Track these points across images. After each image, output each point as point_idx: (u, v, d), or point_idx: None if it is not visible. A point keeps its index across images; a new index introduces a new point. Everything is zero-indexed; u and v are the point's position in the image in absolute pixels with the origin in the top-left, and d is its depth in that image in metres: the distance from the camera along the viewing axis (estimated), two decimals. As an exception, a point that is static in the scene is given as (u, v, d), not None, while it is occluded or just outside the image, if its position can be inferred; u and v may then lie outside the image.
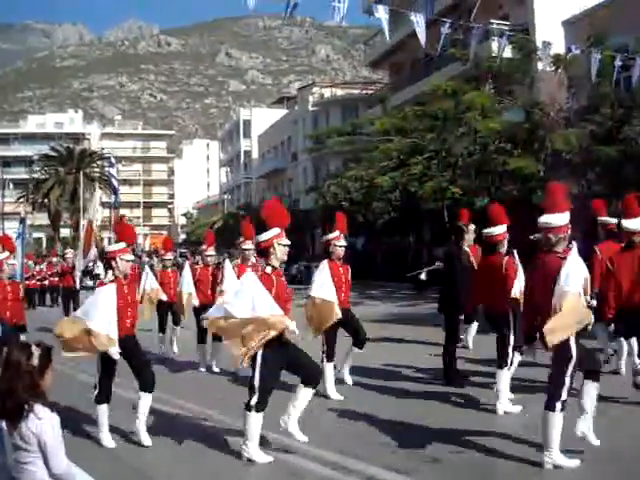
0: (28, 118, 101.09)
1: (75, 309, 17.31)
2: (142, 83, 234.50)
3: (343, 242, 9.15)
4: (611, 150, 19.05)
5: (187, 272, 11.80)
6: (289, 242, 6.54)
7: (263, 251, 6.49)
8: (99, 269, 38.53)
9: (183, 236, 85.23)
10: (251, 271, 10.17)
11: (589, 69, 17.69)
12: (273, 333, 6.05)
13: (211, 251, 12.06)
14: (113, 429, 7.14)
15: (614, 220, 9.55)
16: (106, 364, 6.89)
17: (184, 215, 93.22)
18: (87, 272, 26.69)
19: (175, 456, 6.58)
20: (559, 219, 6.04)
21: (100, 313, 6.56)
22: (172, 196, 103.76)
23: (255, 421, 6.15)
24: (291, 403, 6.50)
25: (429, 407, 8.17)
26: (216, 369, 10.95)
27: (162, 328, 13.05)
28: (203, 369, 11.13)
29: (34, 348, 3.74)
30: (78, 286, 18.45)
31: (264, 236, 6.43)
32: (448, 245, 10.99)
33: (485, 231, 8.23)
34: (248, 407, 6.17)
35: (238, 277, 10.46)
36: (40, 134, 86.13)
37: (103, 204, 79.58)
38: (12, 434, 3.65)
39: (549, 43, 17.68)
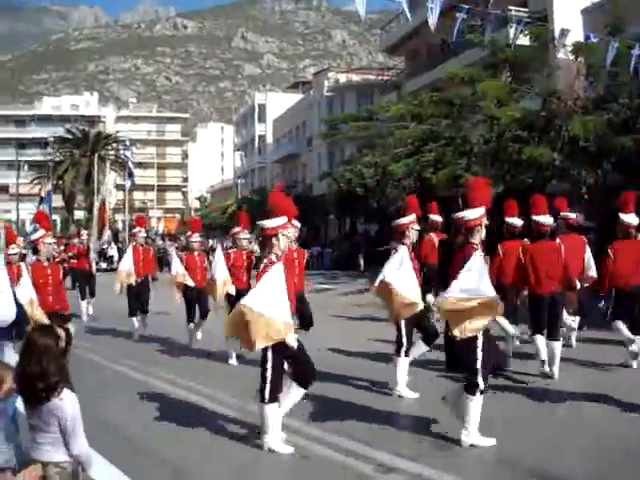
0: (43, 100, 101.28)
1: (92, 293, 17.39)
2: (157, 66, 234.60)
3: (417, 226, 8.77)
4: (627, 140, 18.92)
5: (220, 257, 10.80)
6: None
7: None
8: (113, 250, 38.51)
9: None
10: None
11: (607, 58, 17.54)
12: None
13: (245, 234, 11.30)
14: (129, 414, 7.20)
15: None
16: (277, 357, 6.18)
17: (198, 199, 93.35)
18: (101, 254, 26.64)
19: (193, 443, 6.63)
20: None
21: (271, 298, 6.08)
22: (186, 179, 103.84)
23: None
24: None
25: (438, 392, 8.19)
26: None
27: (190, 318, 12.09)
28: (233, 360, 10.39)
29: (59, 330, 3.78)
30: (94, 269, 18.14)
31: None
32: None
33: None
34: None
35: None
36: (55, 116, 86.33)
37: (117, 186, 79.79)
38: (31, 415, 3.69)
39: (567, 30, 17.52)
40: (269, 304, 5.98)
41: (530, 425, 6.88)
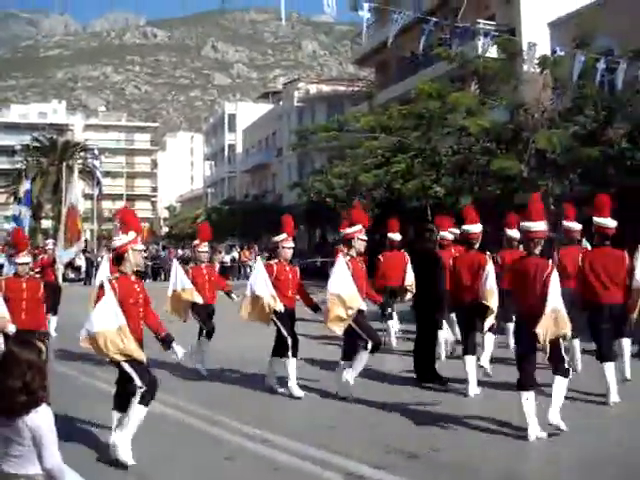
0: (11, 107, 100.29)
1: (55, 308, 15.55)
2: (127, 74, 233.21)
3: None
4: (593, 151, 19.20)
5: (261, 269, 9.01)
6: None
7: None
8: (81, 261, 37.88)
9: (165, 229, 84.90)
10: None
11: (574, 71, 17.81)
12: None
13: (291, 242, 9.48)
14: (106, 428, 7.15)
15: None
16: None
17: (167, 208, 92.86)
18: (69, 264, 25.86)
19: (159, 453, 6.60)
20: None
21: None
22: (155, 189, 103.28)
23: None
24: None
25: (407, 404, 8.24)
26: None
27: (205, 334, 10.98)
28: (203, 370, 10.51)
29: (40, 344, 3.76)
30: (61, 281, 16.73)
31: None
32: (422, 243, 11.41)
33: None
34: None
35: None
36: (23, 124, 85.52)
37: (85, 196, 79.03)
38: (4, 426, 3.65)
39: (534, 44, 17.77)
40: None
41: (499, 435, 6.95)
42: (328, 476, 5.76)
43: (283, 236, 9.19)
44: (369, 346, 8.37)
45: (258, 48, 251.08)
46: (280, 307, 8.66)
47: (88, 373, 10.60)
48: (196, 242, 11.16)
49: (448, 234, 11.36)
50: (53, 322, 15.51)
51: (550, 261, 6.89)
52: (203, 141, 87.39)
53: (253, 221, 48.64)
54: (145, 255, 45.60)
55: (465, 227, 9.28)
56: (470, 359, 8.59)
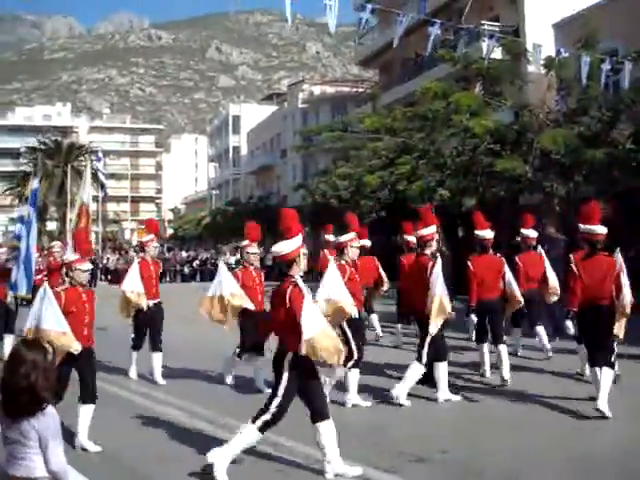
0: (16, 110, 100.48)
1: None
2: (131, 77, 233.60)
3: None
4: (598, 152, 19.16)
5: (334, 272, 7.88)
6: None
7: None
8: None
9: (170, 231, 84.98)
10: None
11: (578, 72, 17.78)
12: None
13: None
14: (106, 428, 7.16)
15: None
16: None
17: (171, 210, 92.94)
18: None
19: (163, 454, 6.61)
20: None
21: None
22: (160, 191, 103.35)
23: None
24: None
25: (413, 406, 8.23)
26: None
27: (244, 349, 9.71)
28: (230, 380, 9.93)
29: (46, 345, 3.76)
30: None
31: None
32: None
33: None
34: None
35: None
36: (28, 126, 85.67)
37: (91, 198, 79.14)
38: (9, 429, 3.65)
39: (539, 45, 17.74)
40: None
41: (506, 437, 6.94)
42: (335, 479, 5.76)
43: (246, 242, 9.70)
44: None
45: (262, 50, 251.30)
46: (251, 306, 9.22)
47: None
48: (245, 243, 10.15)
49: (413, 238, 11.58)
50: None
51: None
52: (207, 143, 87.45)
53: (257, 223, 48.64)
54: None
55: (478, 233, 9.69)
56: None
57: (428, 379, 9.41)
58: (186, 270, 45.31)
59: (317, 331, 5.70)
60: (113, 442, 6.94)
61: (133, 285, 10.13)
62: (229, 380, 9.84)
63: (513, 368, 9.39)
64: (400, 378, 8.61)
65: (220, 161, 78.23)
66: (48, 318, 6.52)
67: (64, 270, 7.17)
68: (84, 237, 8.18)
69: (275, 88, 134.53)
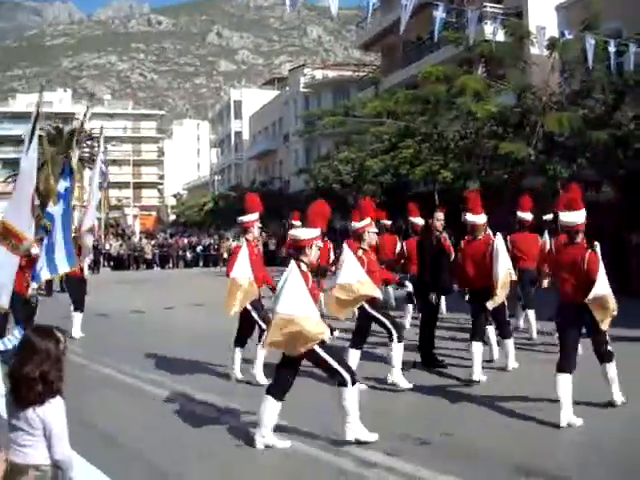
0: (17, 97, 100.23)
1: (81, 304, 13.63)
2: (132, 62, 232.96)
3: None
4: (602, 134, 19.07)
5: (350, 257, 7.94)
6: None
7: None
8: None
9: (173, 217, 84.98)
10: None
11: (582, 54, 17.66)
12: None
13: (374, 228, 9.01)
14: (110, 413, 7.16)
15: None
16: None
17: (174, 196, 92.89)
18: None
19: (168, 438, 6.61)
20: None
21: None
22: (162, 177, 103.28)
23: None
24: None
25: (416, 390, 8.23)
26: None
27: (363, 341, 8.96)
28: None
29: (59, 334, 3.73)
30: (87, 272, 14.16)
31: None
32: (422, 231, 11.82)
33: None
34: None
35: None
36: (29, 113, 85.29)
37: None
38: (15, 416, 3.64)
39: (542, 28, 17.63)
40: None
41: (509, 420, 6.94)
42: (340, 463, 5.76)
43: (366, 221, 8.82)
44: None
45: (263, 34, 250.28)
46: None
47: (99, 361, 10.62)
48: (365, 222, 8.87)
49: (419, 220, 12.49)
50: (77, 321, 13.47)
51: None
52: (209, 128, 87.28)
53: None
54: (153, 243, 45.86)
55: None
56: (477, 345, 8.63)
57: (432, 361, 9.43)
58: (188, 256, 45.32)
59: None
60: (117, 426, 6.95)
61: (244, 271, 8.63)
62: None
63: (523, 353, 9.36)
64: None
65: (222, 146, 78.08)
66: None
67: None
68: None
69: (276, 73, 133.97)
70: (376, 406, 7.45)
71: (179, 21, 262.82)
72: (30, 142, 7.94)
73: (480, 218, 9.11)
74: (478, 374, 8.39)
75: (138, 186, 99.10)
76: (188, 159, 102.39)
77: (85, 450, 5.32)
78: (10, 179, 65.65)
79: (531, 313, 11.38)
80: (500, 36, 22.11)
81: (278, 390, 6.26)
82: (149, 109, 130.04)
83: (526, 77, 22.47)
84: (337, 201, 35.43)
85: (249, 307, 8.80)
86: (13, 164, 68.63)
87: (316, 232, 6.52)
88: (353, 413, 6.14)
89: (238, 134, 71.73)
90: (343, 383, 6.12)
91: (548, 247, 10.54)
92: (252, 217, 9.13)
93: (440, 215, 10.29)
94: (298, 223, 14.26)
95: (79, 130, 11.21)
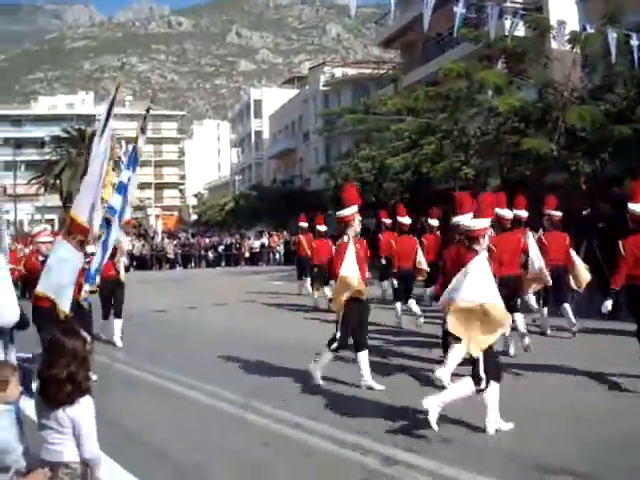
0: (39, 99, 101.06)
1: (120, 309, 12.36)
2: (152, 63, 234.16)
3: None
4: (625, 128, 18.89)
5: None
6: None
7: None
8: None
9: (194, 217, 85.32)
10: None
11: (604, 48, 17.50)
12: None
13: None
14: (133, 411, 7.20)
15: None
16: None
17: (195, 196, 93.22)
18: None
19: (193, 437, 6.63)
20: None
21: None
22: (183, 177, 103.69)
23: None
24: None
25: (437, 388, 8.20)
26: None
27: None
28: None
29: (84, 333, 3.76)
30: (123, 276, 12.44)
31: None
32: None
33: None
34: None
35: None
36: (51, 115, 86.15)
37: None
38: (46, 416, 3.67)
39: (563, 22, 17.49)
40: None
41: (532, 417, 6.89)
42: (365, 461, 5.75)
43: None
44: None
45: (282, 33, 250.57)
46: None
47: (123, 361, 10.69)
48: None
49: (406, 219, 13.30)
50: (118, 327, 12.31)
51: None
52: (229, 128, 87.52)
53: (281, 206, 48.68)
54: (175, 243, 46.03)
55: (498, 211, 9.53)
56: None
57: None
58: (210, 255, 45.45)
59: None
60: (141, 425, 7.00)
61: (353, 270, 8.26)
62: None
63: (540, 348, 9.30)
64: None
65: (242, 146, 78.27)
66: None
67: None
68: None
69: (296, 71, 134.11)
70: (396, 404, 7.43)
71: (199, 22, 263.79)
72: (103, 130, 7.66)
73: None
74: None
75: (160, 187, 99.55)
76: (209, 159, 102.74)
77: (110, 449, 5.35)
78: (33, 181, 66.25)
79: (567, 307, 11.14)
80: (521, 31, 21.98)
81: (496, 375, 6.39)
82: (170, 110, 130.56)
83: (548, 72, 22.29)
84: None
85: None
86: (36, 166, 69.15)
87: (488, 222, 6.71)
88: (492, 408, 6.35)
89: (258, 133, 71.89)
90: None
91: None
92: (352, 210, 8.52)
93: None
94: (323, 227, 17.05)
95: (144, 117, 10.49)
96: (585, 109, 19.62)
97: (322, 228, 17.55)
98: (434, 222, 14.99)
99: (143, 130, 10.75)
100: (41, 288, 6.97)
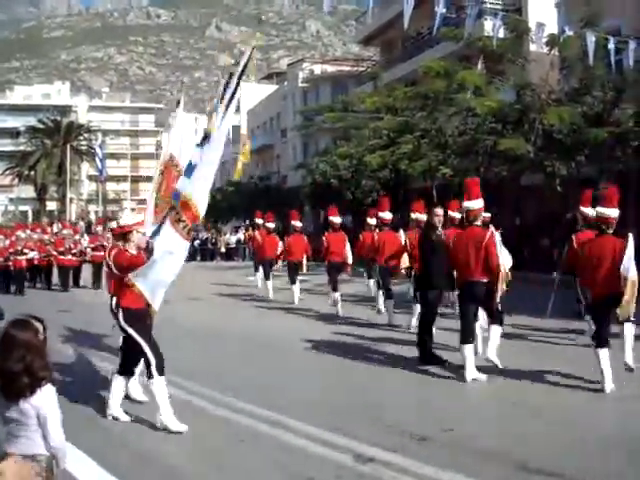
0: (15, 89, 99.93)
1: None
2: (130, 55, 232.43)
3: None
4: (601, 132, 19.04)
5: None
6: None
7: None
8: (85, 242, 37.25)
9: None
10: None
11: (582, 51, 17.62)
12: None
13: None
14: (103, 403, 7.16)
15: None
16: None
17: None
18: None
19: (178, 440, 6.60)
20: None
21: None
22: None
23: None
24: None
25: (416, 385, 8.23)
26: None
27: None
28: None
29: (37, 323, 3.71)
30: None
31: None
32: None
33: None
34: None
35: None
36: (27, 105, 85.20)
37: (90, 177, 79.17)
38: (7, 409, 3.63)
39: (542, 24, 17.58)
40: None
41: (510, 416, 6.94)
42: (338, 458, 5.76)
43: None
44: None
45: (262, 28, 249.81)
46: None
47: (96, 356, 10.61)
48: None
49: (387, 214, 13.56)
50: None
51: None
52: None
53: (257, 202, 48.53)
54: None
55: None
56: None
57: (433, 358, 9.39)
58: (186, 250, 45.19)
59: None
60: (114, 422, 6.96)
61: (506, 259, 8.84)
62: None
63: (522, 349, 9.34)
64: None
65: (220, 140, 77.89)
66: None
67: None
68: None
69: (275, 67, 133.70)
70: (376, 402, 7.45)
71: (178, 14, 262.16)
72: (228, 108, 7.16)
73: (476, 203, 8.72)
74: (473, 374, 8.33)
75: (136, 179, 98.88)
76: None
77: (85, 445, 5.31)
78: (7, 171, 65.54)
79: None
80: (500, 32, 22.07)
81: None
82: (147, 102, 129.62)
83: (525, 74, 22.41)
84: (335, 196, 35.49)
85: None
86: (10, 157, 68.40)
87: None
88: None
89: (236, 128, 71.61)
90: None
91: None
92: (479, 204, 8.58)
93: (439, 211, 10.17)
94: (299, 223, 17.92)
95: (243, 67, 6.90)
96: (564, 110, 19.74)
97: (297, 224, 17.91)
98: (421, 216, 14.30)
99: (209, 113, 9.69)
100: (141, 286, 6.58)
